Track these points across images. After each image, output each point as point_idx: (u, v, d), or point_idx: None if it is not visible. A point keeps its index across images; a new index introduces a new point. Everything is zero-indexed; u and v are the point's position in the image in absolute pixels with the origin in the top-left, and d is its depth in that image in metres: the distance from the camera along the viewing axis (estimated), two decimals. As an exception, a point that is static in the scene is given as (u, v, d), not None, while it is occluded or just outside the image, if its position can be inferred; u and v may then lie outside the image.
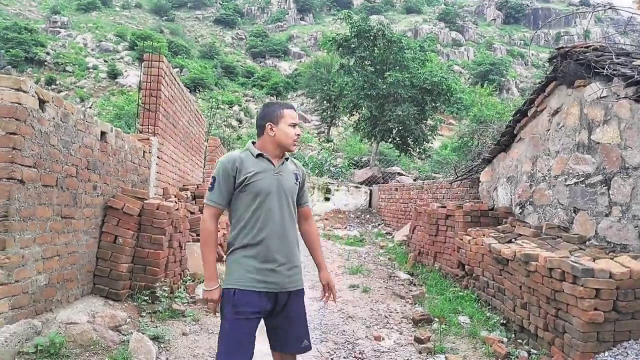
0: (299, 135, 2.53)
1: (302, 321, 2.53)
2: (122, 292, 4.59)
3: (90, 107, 33.88)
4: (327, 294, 2.75)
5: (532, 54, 61.96)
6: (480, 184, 7.78)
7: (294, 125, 2.53)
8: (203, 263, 2.44)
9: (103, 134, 4.72)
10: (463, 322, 4.86)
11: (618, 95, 4.92)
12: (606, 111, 5.06)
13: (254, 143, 2.60)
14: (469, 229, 6.34)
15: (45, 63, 41.60)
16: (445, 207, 7.48)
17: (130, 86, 38.24)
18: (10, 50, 39.53)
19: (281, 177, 2.51)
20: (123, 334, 3.95)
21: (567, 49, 5.69)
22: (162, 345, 3.95)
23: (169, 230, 5.14)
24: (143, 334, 3.88)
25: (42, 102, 3.55)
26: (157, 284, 4.78)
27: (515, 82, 53.77)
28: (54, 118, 3.72)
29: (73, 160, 4.07)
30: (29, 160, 3.40)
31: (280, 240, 2.44)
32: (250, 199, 2.43)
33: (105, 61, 44.26)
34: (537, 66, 60.08)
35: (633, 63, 4.97)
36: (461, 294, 5.68)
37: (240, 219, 2.44)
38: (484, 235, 5.80)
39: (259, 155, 2.50)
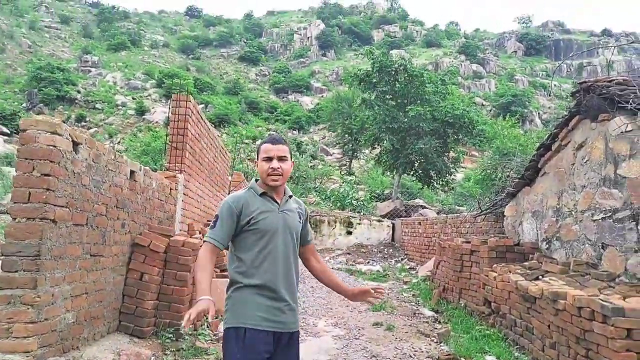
0: (273, 169, 2.44)
1: None
2: (146, 329, 4.64)
3: (118, 143, 34.81)
4: (373, 291, 2.66)
5: (555, 85, 61.67)
6: (505, 218, 7.68)
7: (267, 159, 2.47)
8: (197, 282, 2.36)
9: (132, 172, 4.86)
10: (490, 363, 4.74)
11: (643, 129, 4.87)
12: (632, 145, 5.00)
13: (257, 180, 2.59)
14: (495, 265, 6.24)
15: (76, 101, 43.13)
16: (469, 242, 7.39)
17: (156, 122, 39.26)
18: (43, 89, 41.17)
19: (286, 216, 2.51)
20: (147, 372, 3.97)
21: (589, 83, 5.69)
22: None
23: (194, 266, 5.19)
24: (167, 372, 3.89)
25: (75, 144, 3.70)
26: (182, 322, 4.80)
27: (539, 114, 53.41)
28: (86, 159, 3.87)
29: (103, 199, 4.20)
30: (62, 200, 3.52)
31: (287, 280, 2.45)
32: (256, 238, 2.42)
33: (134, 98, 45.68)
34: (560, 97, 59.66)
35: (657, 97, 4.94)
36: (488, 332, 5.55)
37: (246, 257, 2.41)
38: (510, 271, 5.70)
39: (262, 194, 2.50)
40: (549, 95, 61.21)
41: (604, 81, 5.58)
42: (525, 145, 20.65)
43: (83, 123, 39.99)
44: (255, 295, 2.37)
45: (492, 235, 7.88)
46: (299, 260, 2.62)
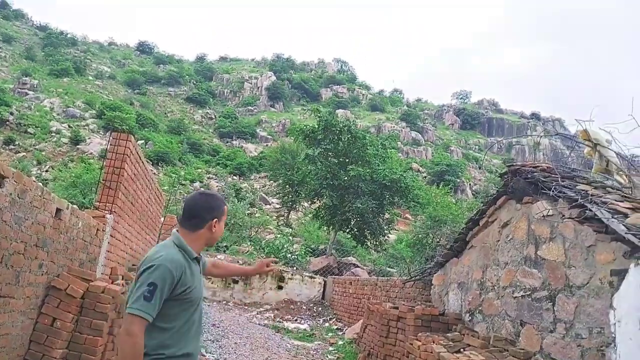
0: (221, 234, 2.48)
1: None
2: (51, 381, 4.28)
3: (46, 171, 33.04)
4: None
5: (486, 159, 65.55)
6: (432, 287, 7.88)
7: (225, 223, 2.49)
8: None
9: (58, 211, 4.63)
10: None
11: (563, 215, 5.24)
12: (552, 229, 5.35)
13: (177, 231, 2.39)
14: (420, 334, 6.33)
15: (8, 122, 40.90)
16: (397, 307, 7.48)
17: (91, 153, 37.78)
18: (-28, 106, 38.92)
19: (202, 277, 2.46)
20: None
21: (517, 167, 6.11)
22: None
23: (112, 315, 4.92)
24: None
25: (1, 177, 3.50)
26: (92, 375, 4.49)
27: (470, 185, 56.27)
28: (11, 194, 3.65)
29: (23, 237, 3.94)
30: (-24, 236, 3.29)
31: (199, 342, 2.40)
32: (184, 308, 2.25)
33: (70, 127, 43.93)
34: (490, 171, 63.35)
35: (577, 187, 5.36)
36: (409, 403, 5.55)
37: (171, 327, 2.21)
38: (433, 342, 5.80)
39: (195, 259, 2.35)
40: (480, 168, 64.86)
41: (530, 166, 6.02)
42: (456, 214, 21.57)
43: (12, 146, 37.80)
44: None
45: (420, 302, 8.04)
46: None
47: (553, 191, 5.33)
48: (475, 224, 6.87)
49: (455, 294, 7.16)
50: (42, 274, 4.42)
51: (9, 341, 3.99)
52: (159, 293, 2.11)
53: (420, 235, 19.89)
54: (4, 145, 36.48)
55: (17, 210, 3.78)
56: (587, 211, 4.65)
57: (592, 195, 4.76)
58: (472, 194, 52.23)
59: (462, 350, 5.34)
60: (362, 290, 11.78)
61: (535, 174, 5.72)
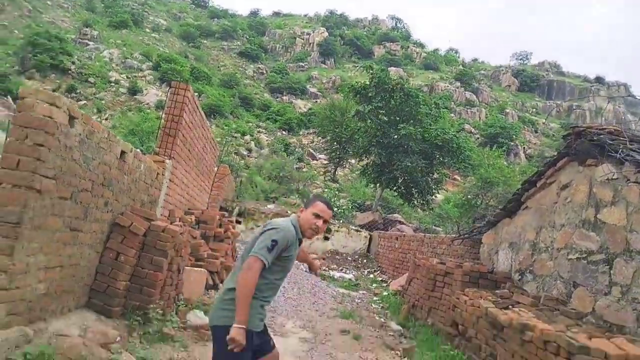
0: (317, 226, 2.87)
1: None
2: (115, 309, 4.59)
3: (106, 119, 34.33)
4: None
5: (544, 123, 62.79)
6: (482, 245, 7.80)
7: (317, 216, 2.88)
8: (243, 306, 2.58)
9: (123, 153, 4.83)
10: (452, 384, 4.81)
11: (628, 179, 5.00)
12: (615, 193, 5.13)
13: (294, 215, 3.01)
14: (467, 289, 6.33)
15: (69, 71, 42.39)
16: (444, 264, 7.49)
17: (147, 104, 38.83)
18: (38, 55, 40.41)
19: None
20: (112, 352, 3.93)
21: (582, 128, 5.84)
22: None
23: (171, 253, 5.18)
24: (131, 354, 3.87)
25: (71, 118, 3.67)
26: (151, 306, 4.79)
27: (524, 148, 54.19)
28: (80, 134, 3.83)
29: (90, 176, 4.16)
30: (50, 172, 3.48)
31: None
32: (279, 269, 2.81)
33: (128, 77, 45.15)
34: (546, 135, 60.74)
35: (645, 151, 5.08)
36: (452, 353, 5.62)
37: (268, 278, 2.74)
38: (481, 297, 5.79)
39: (299, 239, 2.89)
40: (536, 132, 62.26)
41: (596, 128, 5.73)
42: (508, 177, 20.97)
43: (73, 94, 39.29)
44: (263, 306, 2.81)
45: (468, 260, 7.99)
46: None
47: (620, 154, 5.08)
48: (532, 185, 6.68)
49: (505, 254, 7.07)
50: (107, 212, 4.68)
51: (78, 271, 4.29)
52: (277, 249, 2.70)
53: (469, 196, 19.51)
54: (66, 93, 38.00)
55: (85, 150, 3.98)
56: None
57: (663, 156, 4.51)
58: (526, 158, 50.42)
59: (510, 307, 5.31)
60: (408, 245, 11.81)
61: (601, 136, 5.45)
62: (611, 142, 5.27)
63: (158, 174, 6.18)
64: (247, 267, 2.63)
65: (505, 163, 30.05)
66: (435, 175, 20.14)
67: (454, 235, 9.86)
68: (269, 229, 2.75)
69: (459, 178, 32.98)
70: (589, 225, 5.40)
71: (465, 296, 6.10)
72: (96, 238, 4.55)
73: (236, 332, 2.53)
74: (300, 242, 2.94)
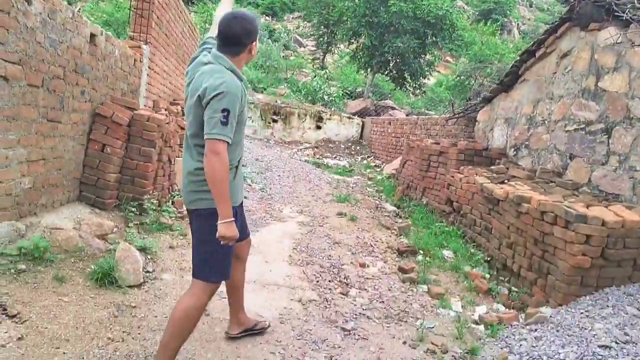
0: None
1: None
2: (109, 201, 4.52)
3: (78, 11, 32.25)
4: None
5: (539, -4, 59.88)
6: (476, 123, 7.68)
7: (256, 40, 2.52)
8: (222, 199, 2.26)
9: (93, 36, 4.43)
10: (447, 256, 4.94)
11: (633, 42, 4.74)
12: (618, 58, 4.89)
13: (218, 51, 2.44)
14: (462, 167, 6.31)
15: (29, -41, 39.04)
16: (438, 143, 7.41)
17: (119, -8, 36.30)
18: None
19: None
20: (110, 243, 3.92)
21: (586, -11, 5.41)
22: (149, 257, 3.94)
23: (159, 143, 5.00)
24: (130, 244, 3.85)
25: (28, -5, 3.26)
26: (146, 197, 4.72)
27: (517, 24, 52.22)
28: (40, 13, 3.44)
29: (60, 61, 3.83)
30: (14, 56, 3.16)
31: None
32: (240, 124, 2.43)
33: (94, -38, 41.67)
34: (541, 9, 58.27)
35: (653, 10, 4.76)
36: (447, 229, 5.74)
37: (232, 142, 2.34)
38: (476, 174, 5.78)
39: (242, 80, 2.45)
40: (531, 7, 59.66)
41: (601, -12, 5.32)
42: (502, 54, 20.31)
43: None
44: (237, 175, 2.53)
45: (462, 139, 7.92)
46: None
47: (627, 14, 4.76)
48: (530, 55, 6.38)
49: (500, 130, 6.97)
50: (85, 101, 4.40)
51: (63, 164, 4.13)
52: (232, 117, 2.26)
53: (462, 77, 19.06)
54: (30, -15, 35.23)
55: (49, 32, 3.60)
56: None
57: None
58: (520, 35, 48.86)
59: (506, 181, 5.30)
60: (401, 129, 11.71)
61: (608, -4, 5.06)
62: (617, 2, 4.92)
63: (135, 60, 5.78)
64: (210, 153, 2.23)
65: (498, 41, 29.10)
66: (428, 57, 19.47)
67: (447, 116, 9.71)
68: (212, 96, 2.23)
69: (450, 60, 32.05)
70: (589, 94, 5.22)
71: (460, 174, 6.08)
72: (78, 130, 4.33)
73: (225, 229, 2.27)
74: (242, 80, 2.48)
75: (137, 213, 4.59)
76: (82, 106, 4.35)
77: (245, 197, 6.48)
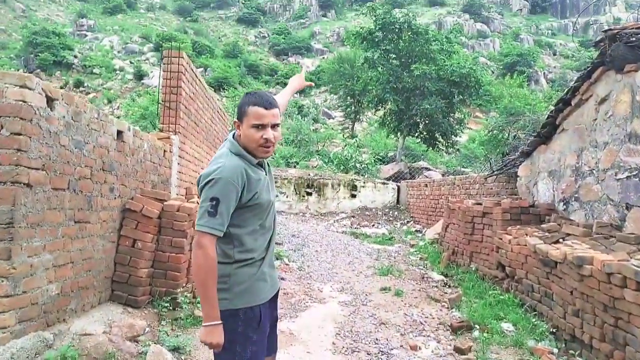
0: (266, 139, 2.12)
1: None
2: (141, 298, 4.35)
3: (117, 108, 34.23)
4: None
5: (561, 44, 60.18)
6: (518, 179, 7.32)
7: (258, 127, 2.12)
8: (205, 298, 2.01)
9: (120, 133, 4.48)
10: (507, 330, 4.47)
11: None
12: (662, 96, 4.59)
13: (233, 136, 2.25)
14: (509, 228, 5.91)
15: (73, 66, 42.23)
16: (480, 204, 7.05)
17: (155, 87, 38.55)
18: (40, 54, 40.25)
19: (270, 182, 2.29)
20: (141, 345, 3.70)
21: (615, 31, 5.21)
22: (182, 357, 3.68)
23: (190, 232, 4.88)
24: (162, 345, 3.62)
25: (50, 100, 3.31)
26: (179, 290, 4.54)
27: (544, 73, 52.26)
28: (64, 117, 3.47)
29: (87, 162, 3.83)
30: (37, 162, 3.15)
31: (273, 246, 2.33)
32: (254, 214, 2.17)
33: (131, 63, 44.76)
34: (566, 56, 58.37)
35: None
36: (502, 297, 5.26)
37: (244, 233, 2.14)
38: (527, 234, 5.37)
39: (258, 164, 2.22)
40: (554, 55, 59.84)
41: (632, 28, 5.11)
42: (533, 104, 20.05)
43: (82, 88, 39.22)
44: (262, 268, 2.21)
45: (504, 197, 7.55)
46: None
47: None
48: (566, 104, 6.11)
49: (545, 184, 6.58)
50: (114, 198, 4.37)
51: (93, 264, 4.03)
52: (224, 206, 2.03)
53: (495, 131, 18.78)
54: (74, 88, 37.89)
55: (74, 134, 3.63)
56: None
57: None
58: (547, 83, 48.69)
59: (560, 240, 4.88)
60: (438, 190, 11.38)
61: (639, 35, 4.84)
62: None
63: (165, 151, 5.84)
64: (195, 245, 2.02)
65: (527, 91, 28.95)
66: (457, 115, 19.39)
67: (486, 173, 9.37)
68: (202, 186, 2.07)
69: (480, 115, 31.96)
70: (636, 138, 4.86)
71: (508, 235, 5.69)
72: (107, 227, 4.27)
73: (207, 333, 2.00)
74: (262, 164, 2.25)
75: (171, 308, 4.39)
76: (111, 203, 4.31)
77: (282, 279, 6.27)
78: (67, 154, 3.52)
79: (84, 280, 3.86)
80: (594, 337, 3.80)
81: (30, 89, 3.08)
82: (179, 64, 6.43)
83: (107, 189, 4.22)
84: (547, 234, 5.22)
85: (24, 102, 3.02)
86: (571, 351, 4.05)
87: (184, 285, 4.69)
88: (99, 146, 4.04)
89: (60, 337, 3.38)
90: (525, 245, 5.14)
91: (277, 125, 2.17)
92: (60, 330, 3.45)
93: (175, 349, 3.68)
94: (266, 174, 2.25)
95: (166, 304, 4.40)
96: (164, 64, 6.47)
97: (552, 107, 6.55)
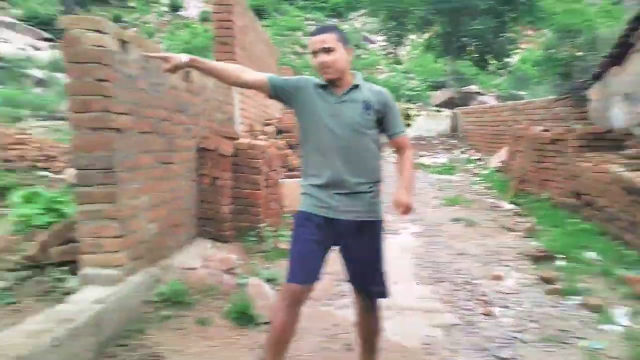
0: (320, 62, 2.27)
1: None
2: (228, 233, 4.55)
3: (159, 44, 34.09)
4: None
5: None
6: (589, 103, 6.96)
7: (314, 54, 2.31)
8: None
9: (187, 72, 4.44)
10: (593, 259, 4.40)
11: None
12: None
13: None
14: (588, 155, 5.68)
15: (109, 0, 41.87)
16: (548, 130, 6.79)
17: (192, 18, 37.93)
18: (75, -11, 39.98)
19: (345, 107, 2.32)
20: (238, 278, 3.87)
21: None
22: (276, 288, 3.83)
23: (264, 169, 4.94)
24: (258, 277, 3.80)
25: (123, 44, 3.25)
26: (262, 224, 4.68)
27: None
28: (138, 60, 3.44)
29: (164, 104, 3.84)
30: (122, 107, 3.16)
31: (348, 171, 2.32)
32: (310, 132, 2.39)
33: (165, -6, 43.88)
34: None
35: None
36: (582, 226, 5.15)
37: (306, 152, 2.46)
38: (607, 161, 5.16)
39: (324, 87, 2.35)
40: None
41: None
42: (592, 20, 18.62)
43: (120, 23, 39.09)
44: (310, 187, 2.40)
45: (573, 122, 7.23)
46: (375, 150, 2.40)
47: None
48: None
49: (620, 108, 6.23)
50: (190, 138, 4.41)
51: (181, 204, 4.16)
52: (284, 80, 2.48)
53: (550, 50, 17.69)
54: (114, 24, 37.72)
55: (149, 77, 3.59)
56: None
57: None
58: (605, -4, 44.90)
59: (647, 167, 4.66)
60: (499, 117, 10.97)
61: None
62: None
63: (227, 88, 5.80)
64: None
65: (582, 6, 26.85)
66: (509, 35, 18.28)
67: (549, 97, 8.94)
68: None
69: (531, 32, 30.08)
70: None
71: (587, 163, 5.47)
72: (187, 167, 4.36)
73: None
74: (325, 87, 2.33)
75: (257, 242, 4.57)
76: (188, 143, 4.38)
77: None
78: (146, 97, 3.52)
79: (176, 218, 4.00)
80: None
81: (105, 33, 3.03)
82: (229, -4, 6.24)
83: (183, 129, 4.26)
84: (629, 160, 5.00)
85: (102, 47, 2.98)
86: (662, 279, 3.97)
87: (265, 219, 4.82)
88: (171, 87, 4.02)
89: (167, 272, 3.57)
90: (607, 173, 4.95)
91: (330, 49, 2.25)
92: (164, 265, 3.64)
93: (269, 280, 3.84)
94: (338, 99, 2.31)
95: (252, 239, 4.57)
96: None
97: (625, 26, 6.05)
